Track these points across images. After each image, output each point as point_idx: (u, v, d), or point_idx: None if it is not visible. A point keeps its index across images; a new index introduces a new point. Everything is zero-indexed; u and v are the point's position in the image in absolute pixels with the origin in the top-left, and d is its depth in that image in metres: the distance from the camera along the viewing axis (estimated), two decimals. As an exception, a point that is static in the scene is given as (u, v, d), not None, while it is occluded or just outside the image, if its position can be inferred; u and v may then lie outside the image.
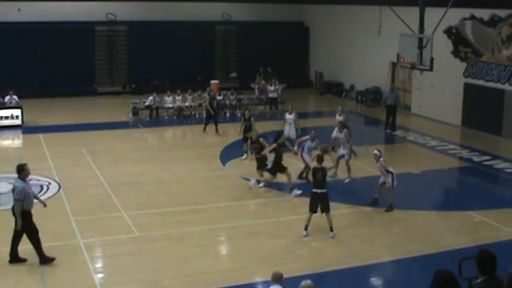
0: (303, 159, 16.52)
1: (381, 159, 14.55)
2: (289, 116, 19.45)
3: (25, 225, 11.19)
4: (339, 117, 19.33)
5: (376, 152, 14.75)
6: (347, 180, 16.81)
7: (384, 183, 14.68)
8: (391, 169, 14.70)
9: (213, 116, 22.71)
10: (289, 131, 19.35)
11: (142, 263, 11.66)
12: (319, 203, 12.81)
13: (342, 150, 17.10)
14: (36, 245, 11.32)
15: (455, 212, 14.98)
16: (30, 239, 11.34)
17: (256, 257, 11.92)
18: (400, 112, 27.64)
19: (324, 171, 12.87)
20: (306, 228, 12.90)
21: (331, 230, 12.89)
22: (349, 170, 16.91)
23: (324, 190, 12.79)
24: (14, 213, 11.26)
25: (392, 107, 24.07)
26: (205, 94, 24.67)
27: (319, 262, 11.73)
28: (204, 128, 22.82)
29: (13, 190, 11.20)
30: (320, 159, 13.12)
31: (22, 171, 11.36)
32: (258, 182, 16.25)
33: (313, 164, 13.36)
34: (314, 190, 12.85)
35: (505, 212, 14.89)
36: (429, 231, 13.58)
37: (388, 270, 11.86)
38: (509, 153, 20.70)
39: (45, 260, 11.35)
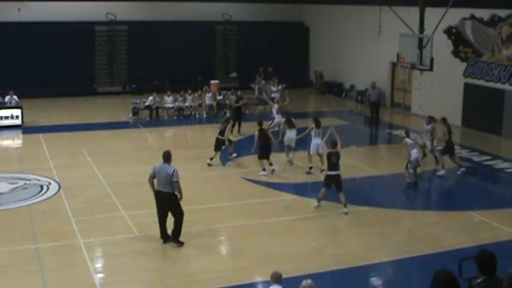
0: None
1: (405, 139, 16.18)
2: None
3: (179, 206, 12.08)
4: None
5: (402, 133, 16.71)
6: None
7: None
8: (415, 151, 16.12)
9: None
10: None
11: (142, 263, 11.65)
12: (333, 183, 14.17)
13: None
14: (179, 224, 12.15)
15: (455, 212, 14.96)
16: (177, 218, 12.18)
17: (256, 257, 11.90)
18: (400, 112, 27.73)
19: (338, 155, 14.15)
20: (319, 201, 14.26)
21: (345, 206, 14.04)
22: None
23: (338, 172, 14.10)
24: (166, 197, 11.92)
25: (376, 103, 24.22)
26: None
27: (319, 262, 11.70)
28: (238, 130, 23.07)
29: (172, 174, 11.79)
30: (334, 144, 14.55)
31: (170, 156, 12.14)
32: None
33: (328, 149, 14.71)
34: (329, 172, 14.20)
35: (505, 212, 14.87)
36: (429, 231, 13.57)
37: (388, 270, 11.85)
38: (509, 153, 20.69)
39: (177, 241, 12.21)
